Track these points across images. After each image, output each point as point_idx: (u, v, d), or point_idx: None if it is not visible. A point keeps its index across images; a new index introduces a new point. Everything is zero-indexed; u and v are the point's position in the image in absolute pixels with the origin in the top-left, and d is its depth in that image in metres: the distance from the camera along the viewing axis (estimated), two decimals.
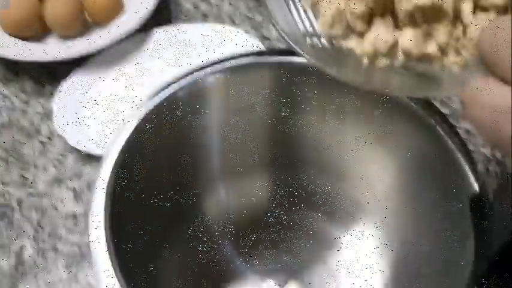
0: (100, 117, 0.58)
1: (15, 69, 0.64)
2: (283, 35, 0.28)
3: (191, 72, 0.42)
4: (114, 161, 0.37)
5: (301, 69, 0.41)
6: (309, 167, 0.47)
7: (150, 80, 0.61)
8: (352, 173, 0.45)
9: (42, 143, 0.58)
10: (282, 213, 0.48)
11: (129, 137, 0.38)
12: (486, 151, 0.54)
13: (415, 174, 0.42)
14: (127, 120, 0.39)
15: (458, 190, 0.37)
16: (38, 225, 0.51)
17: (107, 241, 0.34)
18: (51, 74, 0.63)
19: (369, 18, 0.24)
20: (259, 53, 0.44)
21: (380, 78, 0.24)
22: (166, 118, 0.41)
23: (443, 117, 0.38)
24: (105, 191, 0.36)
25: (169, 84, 0.41)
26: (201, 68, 0.42)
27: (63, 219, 0.52)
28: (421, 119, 0.39)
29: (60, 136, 0.57)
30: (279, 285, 0.46)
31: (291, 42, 0.28)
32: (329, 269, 0.46)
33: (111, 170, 0.37)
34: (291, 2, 0.29)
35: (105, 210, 0.35)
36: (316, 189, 0.47)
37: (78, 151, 0.56)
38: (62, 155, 0.57)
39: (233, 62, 0.42)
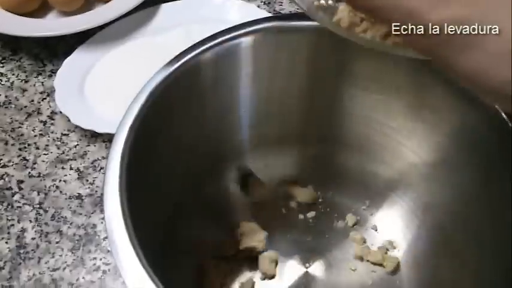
0: (104, 95, 0.55)
1: (13, 47, 0.61)
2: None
3: (215, 36, 0.38)
4: (128, 132, 0.34)
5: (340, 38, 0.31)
6: (341, 143, 0.43)
7: (156, 56, 0.57)
8: (386, 149, 0.42)
9: (43, 122, 0.54)
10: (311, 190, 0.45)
11: (144, 105, 0.35)
12: None
13: (457, 152, 0.38)
14: (146, 84, 0.36)
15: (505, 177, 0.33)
16: (40, 207, 0.48)
17: (123, 214, 0.30)
18: (51, 52, 0.60)
19: None
20: (289, 17, 0.40)
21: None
22: (190, 82, 0.38)
23: None
24: (119, 162, 0.32)
25: (191, 49, 0.37)
26: (227, 31, 0.38)
27: (67, 200, 0.48)
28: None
29: (62, 115, 0.53)
30: (304, 263, 0.42)
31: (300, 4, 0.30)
32: (356, 248, 0.43)
33: (124, 140, 0.33)
34: None
35: (120, 181, 0.32)
36: (348, 166, 0.44)
37: (82, 130, 0.52)
38: (64, 135, 0.53)
39: (265, 25, 0.38)
